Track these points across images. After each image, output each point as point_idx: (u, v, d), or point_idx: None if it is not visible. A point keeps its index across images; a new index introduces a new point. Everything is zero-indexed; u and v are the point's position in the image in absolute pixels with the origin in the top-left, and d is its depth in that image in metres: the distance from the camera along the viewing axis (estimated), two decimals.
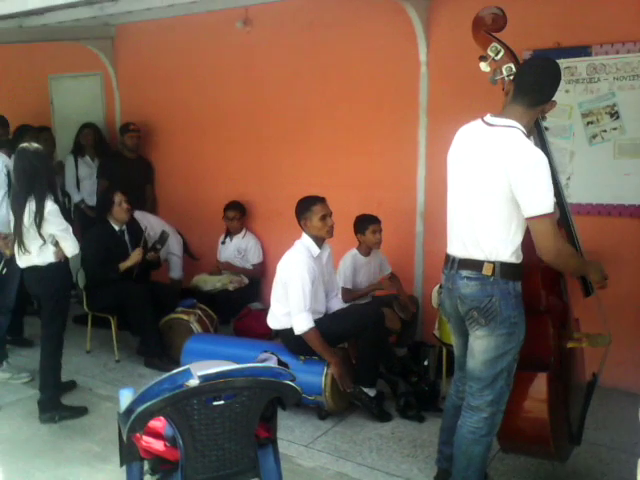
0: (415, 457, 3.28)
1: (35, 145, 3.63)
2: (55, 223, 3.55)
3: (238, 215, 5.40)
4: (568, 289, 2.83)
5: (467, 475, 2.56)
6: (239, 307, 5.00)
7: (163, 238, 4.92)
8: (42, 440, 3.48)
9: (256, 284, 5.42)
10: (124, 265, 4.51)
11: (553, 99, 2.47)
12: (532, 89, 2.43)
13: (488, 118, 2.47)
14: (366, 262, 4.39)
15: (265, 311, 4.13)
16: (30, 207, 3.50)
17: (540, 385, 2.59)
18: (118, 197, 4.62)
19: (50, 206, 3.52)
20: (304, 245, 3.71)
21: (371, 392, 3.68)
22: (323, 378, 3.57)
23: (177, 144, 5.99)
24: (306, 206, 3.69)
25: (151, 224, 5.25)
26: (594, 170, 4.02)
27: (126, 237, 4.74)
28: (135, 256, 4.56)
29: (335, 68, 4.95)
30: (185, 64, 5.78)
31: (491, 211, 2.40)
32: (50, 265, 3.60)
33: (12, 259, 3.80)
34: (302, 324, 3.57)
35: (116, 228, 4.68)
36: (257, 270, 5.44)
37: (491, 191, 2.38)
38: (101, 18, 5.63)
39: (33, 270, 3.64)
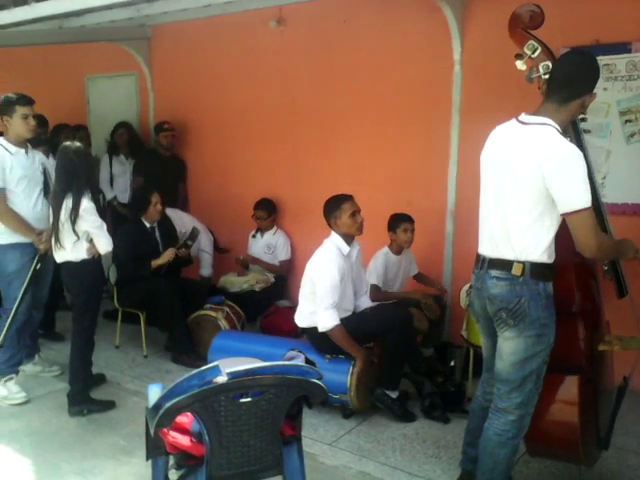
0: (439, 458, 3.25)
1: (77, 144, 3.70)
2: (89, 220, 3.60)
3: (265, 215, 5.41)
4: (600, 290, 2.77)
5: (492, 477, 2.53)
6: (266, 306, 5.03)
7: (194, 234, 4.96)
8: (70, 433, 3.54)
9: (283, 282, 5.43)
10: (156, 262, 4.57)
11: (593, 92, 2.40)
12: (565, 84, 2.37)
13: (522, 117, 2.43)
14: (397, 261, 4.38)
15: (292, 309, 4.13)
16: (67, 204, 3.57)
17: (571, 388, 2.54)
18: (155, 198, 4.69)
19: (86, 203, 3.58)
20: (334, 243, 3.71)
21: (393, 394, 3.65)
22: (348, 377, 3.56)
23: (209, 142, 6.04)
24: (335, 204, 3.69)
25: (183, 222, 5.31)
26: (631, 169, 3.92)
27: (157, 234, 4.80)
28: (168, 255, 4.61)
29: (368, 66, 4.93)
30: (219, 64, 5.82)
31: (525, 209, 2.35)
32: (83, 261, 3.66)
33: (46, 255, 3.87)
34: (327, 321, 3.56)
35: (147, 225, 4.75)
36: (284, 267, 5.45)
37: (525, 189, 2.33)
38: (137, 19, 5.74)
39: (67, 265, 3.70)
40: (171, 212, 5.22)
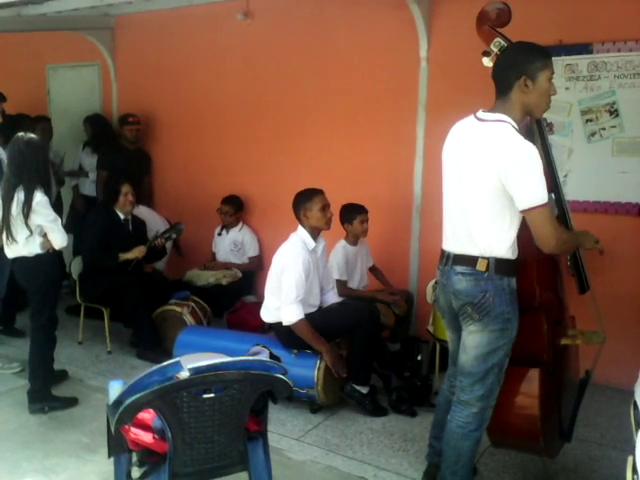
0: (406, 451, 3.27)
1: (29, 135, 3.59)
2: (43, 214, 3.50)
3: (232, 210, 5.37)
4: (565, 286, 2.82)
5: (456, 470, 2.55)
6: (233, 301, 4.99)
7: (179, 229, 4.86)
8: (30, 431, 3.46)
9: (250, 277, 5.41)
10: (124, 256, 4.47)
11: (543, 71, 2.34)
12: (501, 76, 2.40)
13: (480, 114, 2.45)
14: (355, 252, 4.41)
15: (259, 304, 4.10)
16: (19, 197, 3.47)
17: (532, 381, 2.58)
18: (125, 188, 4.63)
19: (39, 197, 3.47)
20: (300, 238, 3.70)
21: (364, 390, 3.66)
22: (315, 371, 3.56)
23: (174, 136, 5.96)
24: (307, 196, 3.70)
25: (144, 216, 5.22)
26: (592, 168, 4.00)
27: (130, 227, 4.72)
28: (137, 251, 4.52)
29: (335, 62, 4.92)
30: (184, 56, 5.74)
31: (484, 206, 2.38)
32: (37, 256, 3.55)
33: (2, 248, 3.75)
34: (291, 315, 3.56)
35: (121, 217, 4.66)
36: (254, 263, 5.43)
37: (483, 186, 2.35)
38: (101, 8, 5.59)
39: (20, 261, 3.59)
40: (140, 209, 5.14)
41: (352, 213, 4.31)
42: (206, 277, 5.17)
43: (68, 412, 3.64)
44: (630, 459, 1.82)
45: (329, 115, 4.99)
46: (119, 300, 4.44)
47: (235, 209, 5.39)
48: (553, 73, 2.41)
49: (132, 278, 4.47)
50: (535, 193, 2.26)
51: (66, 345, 4.53)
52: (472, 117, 2.47)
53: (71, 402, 3.71)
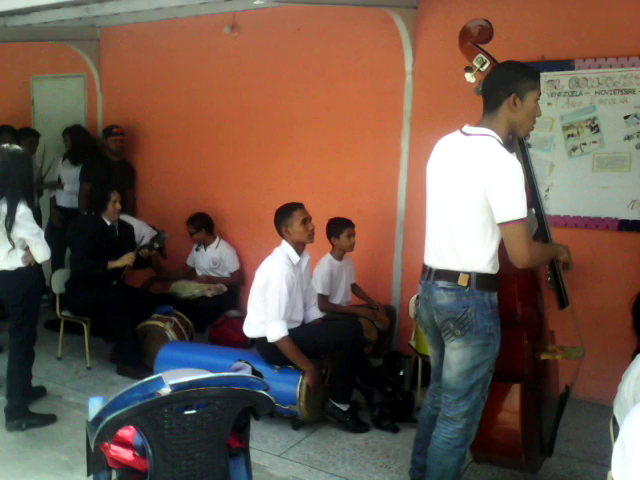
0: (388, 468, 3.25)
1: (15, 147, 3.56)
2: (27, 227, 3.46)
3: (193, 230, 5.31)
4: (544, 301, 2.83)
5: None
6: (216, 314, 4.95)
7: (162, 237, 4.81)
8: (8, 448, 3.39)
9: (234, 292, 5.37)
10: (113, 264, 4.42)
11: (532, 92, 2.39)
12: (489, 92, 2.44)
13: (465, 128, 2.48)
14: (340, 267, 4.41)
15: (242, 319, 4.08)
16: (1, 210, 3.42)
17: (513, 396, 2.59)
18: (114, 195, 4.58)
19: (23, 209, 3.43)
20: (283, 252, 3.68)
21: (344, 407, 3.64)
22: (298, 387, 3.53)
23: (159, 148, 5.94)
24: (287, 212, 3.68)
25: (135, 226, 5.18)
26: (573, 182, 4.05)
27: (117, 232, 4.69)
28: (126, 258, 4.46)
29: (321, 75, 4.95)
30: (170, 68, 5.74)
31: (467, 220, 2.39)
32: (19, 270, 3.50)
33: None
34: (276, 332, 3.53)
35: (108, 223, 4.62)
36: (235, 277, 5.40)
37: (466, 200, 2.37)
38: (87, 19, 5.61)
39: (1, 275, 3.53)
40: (124, 217, 5.10)
41: (339, 227, 4.30)
42: (191, 289, 5.14)
43: (46, 429, 3.57)
44: (610, 474, 1.82)
45: (315, 128, 5.00)
46: (105, 313, 4.36)
47: (196, 228, 5.30)
48: (540, 95, 2.46)
49: (119, 291, 4.42)
50: (515, 207, 2.28)
51: (45, 360, 4.46)
52: (458, 132, 2.50)
53: (49, 419, 3.64)
